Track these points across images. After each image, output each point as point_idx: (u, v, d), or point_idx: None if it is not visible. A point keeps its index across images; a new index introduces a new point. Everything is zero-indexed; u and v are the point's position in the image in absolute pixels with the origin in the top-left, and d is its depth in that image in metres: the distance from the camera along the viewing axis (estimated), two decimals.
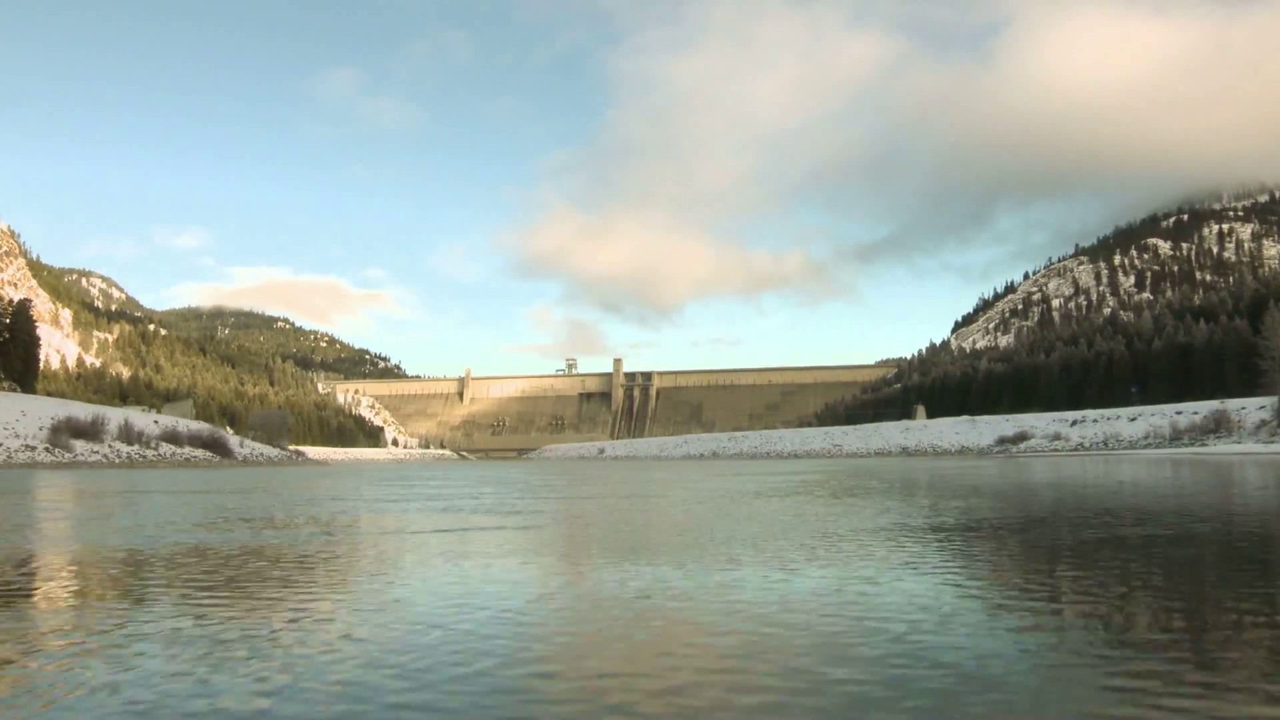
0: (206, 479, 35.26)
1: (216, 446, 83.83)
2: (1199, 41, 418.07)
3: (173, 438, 79.75)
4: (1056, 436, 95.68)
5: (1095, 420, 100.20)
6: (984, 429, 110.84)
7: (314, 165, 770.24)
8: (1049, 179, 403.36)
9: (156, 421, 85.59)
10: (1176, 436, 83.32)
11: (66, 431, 67.72)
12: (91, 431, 70.24)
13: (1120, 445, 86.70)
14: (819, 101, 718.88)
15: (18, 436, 65.23)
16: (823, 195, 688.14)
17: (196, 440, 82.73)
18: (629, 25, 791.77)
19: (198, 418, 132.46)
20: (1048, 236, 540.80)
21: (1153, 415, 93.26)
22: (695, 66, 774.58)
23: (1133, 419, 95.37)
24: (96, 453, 67.98)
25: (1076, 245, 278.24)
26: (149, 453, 72.77)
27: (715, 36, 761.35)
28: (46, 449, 64.46)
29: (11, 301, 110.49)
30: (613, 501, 16.94)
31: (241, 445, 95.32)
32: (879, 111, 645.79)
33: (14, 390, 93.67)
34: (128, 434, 73.32)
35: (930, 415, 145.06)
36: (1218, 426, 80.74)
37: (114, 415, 77.41)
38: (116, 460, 67.04)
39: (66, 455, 64.57)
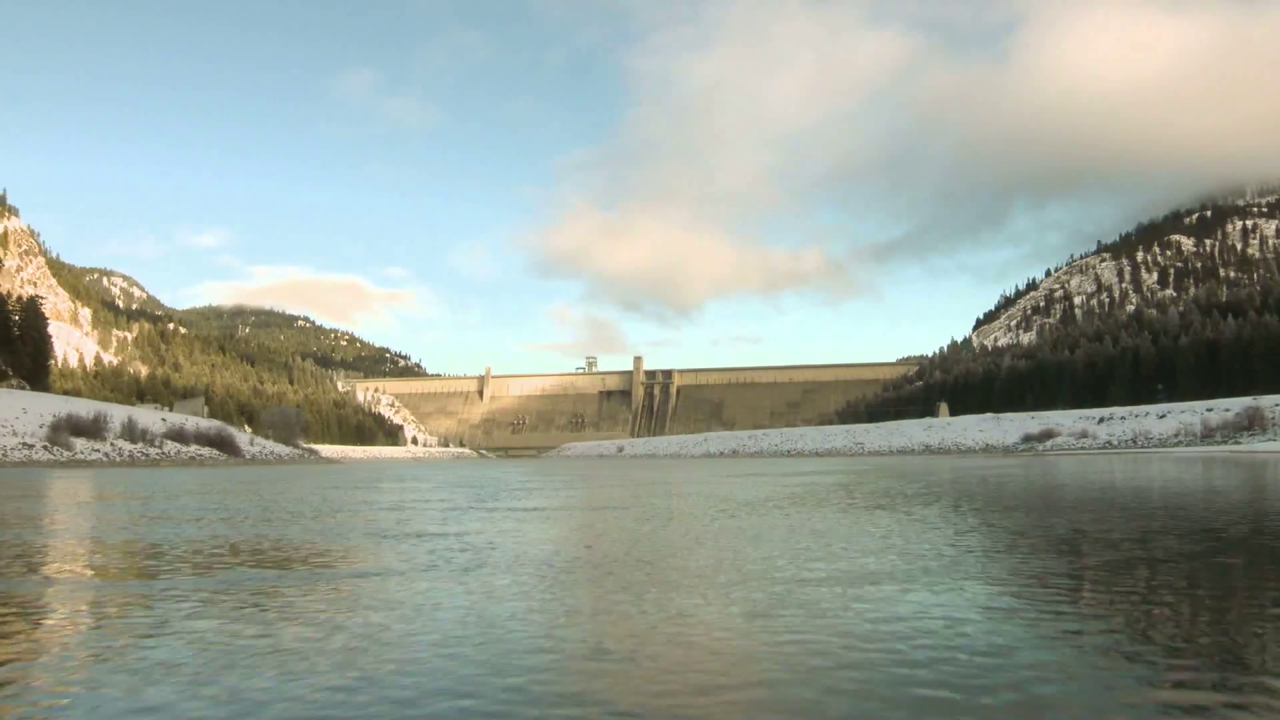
0: (174, 479, 33.45)
1: (224, 445, 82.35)
2: (1216, 38, 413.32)
3: (179, 436, 78.27)
4: (1083, 434, 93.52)
5: (1123, 417, 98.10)
6: (1009, 426, 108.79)
7: (334, 165, 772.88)
8: (1064, 178, 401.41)
9: (164, 420, 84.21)
10: (1208, 434, 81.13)
11: (67, 429, 66.20)
12: (93, 429, 68.70)
13: (1150, 443, 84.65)
14: (836, 100, 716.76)
15: (15, 434, 63.81)
16: (839, 194, 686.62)
17: (203, 438, 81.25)
18: (646, 24, 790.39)
19: (214, 415, 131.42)
20: (1063, 237, 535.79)
21: (1183, 412, 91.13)
22: (713, 65, 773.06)
23: (1162, 416, 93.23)
24: (97, 451, 66.48)
25: (1099, 242, 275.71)
26: (152, 451, 71.29)
27: (733, 35, 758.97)
28: (45, 447, 62.99)
29: (20, 298, 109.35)
30: (571, 516, 13.02)
31: (251, 443, 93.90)
32: (895, 110, 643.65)
33: (22, 387, 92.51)
34: (131, 432, 71.81)
35: (953, 413, 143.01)
36: (1251, 424, 78.50)
37: (117, 413, 75.95)
38: (118, 459, 65.60)
39: (65, 453, 63.06)
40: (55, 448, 63.56)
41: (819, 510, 13.37)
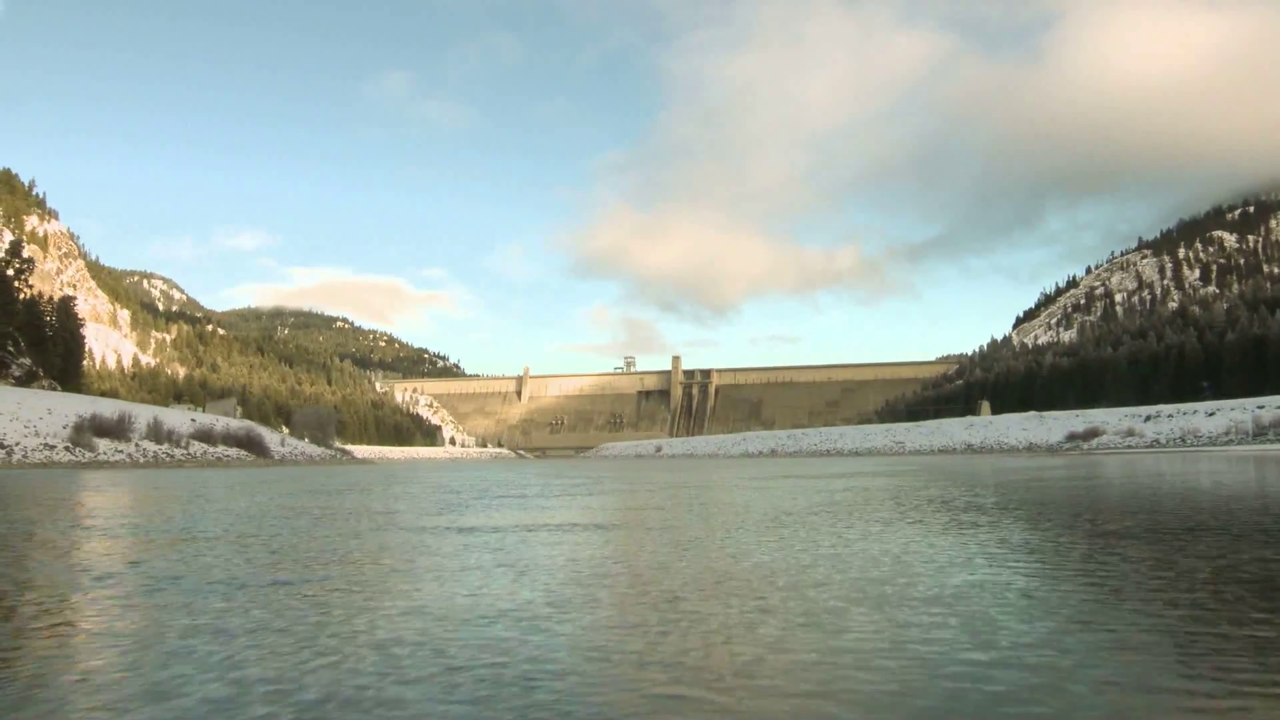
0: (164, 480, 32.16)
1: (252, 445, 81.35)
2: (1252, 32, 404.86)
3: (206, 436, 77.31)
4: (1130, 433, 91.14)
5: (1170, 415, 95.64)
6: (1053, 425, 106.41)
7: (370, 167, 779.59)
8: (1098, 176, 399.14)
9: (193, 420, 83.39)
10: (1260, 432, 78.69)
11: (90, 430, 65.35)
12: (117, 430, 67.73)
13: (1199, 442, 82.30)
14: (869, 99, 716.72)
15: (38, 435, 63.02)
16: (873, 193, 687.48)
17: (231, 439, 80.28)
18: (679, 25, 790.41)
19: (250, 416, 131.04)
20: (1096, 238, 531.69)
21: (1232, 410, 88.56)
22: (746, 66, 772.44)
23: (1210, 414, 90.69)
24: (120, 452, 65.56)
25: (1140, 239, 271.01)
26: (178, 452, 70.34)
27: (766, 36, 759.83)
28: (66, 448, 62.10)
29: (51, 299, 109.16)
30: (519, 544, 8.70)
31: (282, 444, 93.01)
32: (928, 109, 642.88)
33: (53, 388, 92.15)
34: (156, 433, 70.84)
35: (994, 411, 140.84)
36: None
37: (143, 413, 75.12)
38: (141, 460, 64.62)
39: (87, 454, 62.15)
40: (78, 448, 62.69)
41: (875, 528, 9.59)
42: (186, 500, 17.71)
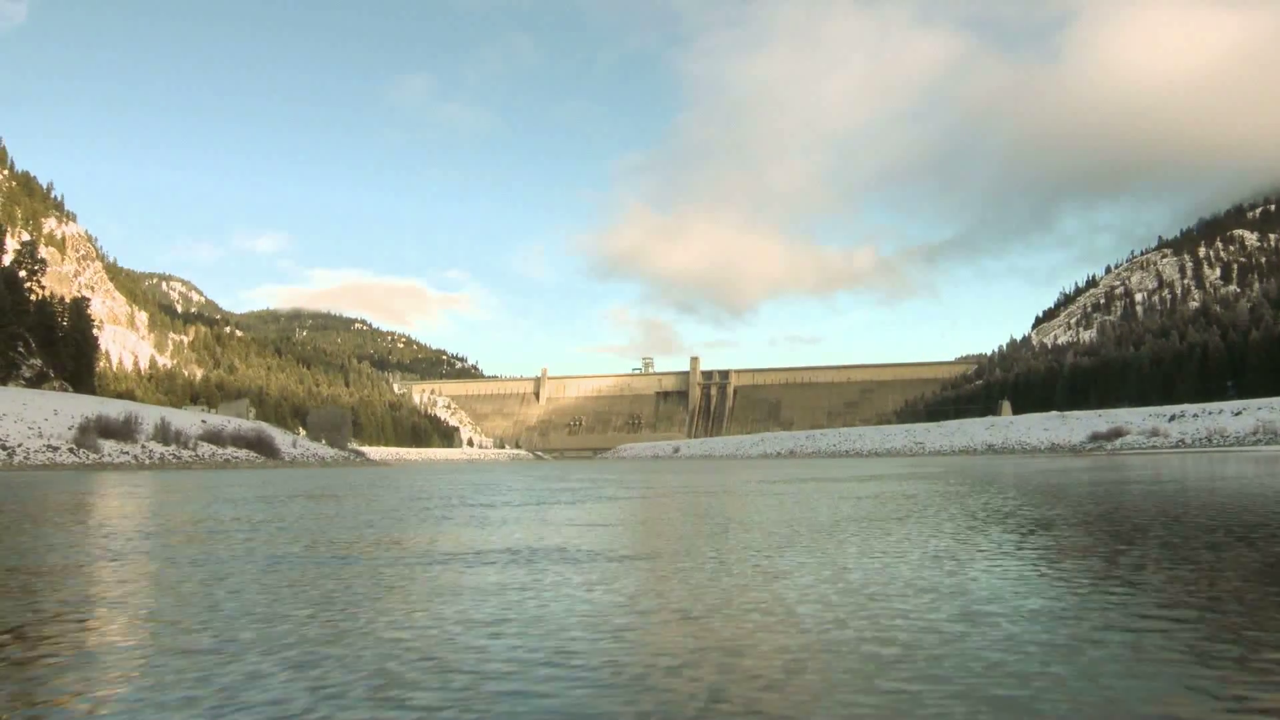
0: (144, 482, 31.17)
1: (262, 447, 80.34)
2: (1268, 30, 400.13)
3: (214, 438, 76.36)
4: (1154, 432, 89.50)
5: (1195, 415, 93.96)
6: (1075, 425, 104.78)
7: (391, 169, 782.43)
8: (1115, 176, 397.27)
9: (204, 421, 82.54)
10: None
11: (95, 431, 64.35)
12: (123, 431, 66.71)
13: (1225, 441, 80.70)
14: (886, 100, 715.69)
15: (41, 436, 62.10)
16: (890, 194, 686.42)
17: (241, 440, 79.32)
18: (697, 27, 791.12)
19: (267, 417, 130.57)
20: (1112, 240, 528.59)
21: (1259, 409, 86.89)
22: (764, 67, 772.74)
23: (1237, 413, 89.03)
24: (126, 454, 64.55)
25: (1159, 238, 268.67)
26: (185, 453, 69.36)
27: (783, 37, 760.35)
28: (70, 449, 61.12)
29: (64, 300, 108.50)
30: (415, 579, 6.32)
31: (294, 445, 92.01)
32: (945, 109, 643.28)
33: (64, 389, 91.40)
34: (164, 434, 69.91)
35: (1015, 411, 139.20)
36: None
37: (150, 414, 74.14)
38: (148, 461, 63.66)
39: (92, 456, 61.18)
40: (82, 450, 61.72)
41: (927, 559, 6.86)
42: (96, 509, 16.08)
